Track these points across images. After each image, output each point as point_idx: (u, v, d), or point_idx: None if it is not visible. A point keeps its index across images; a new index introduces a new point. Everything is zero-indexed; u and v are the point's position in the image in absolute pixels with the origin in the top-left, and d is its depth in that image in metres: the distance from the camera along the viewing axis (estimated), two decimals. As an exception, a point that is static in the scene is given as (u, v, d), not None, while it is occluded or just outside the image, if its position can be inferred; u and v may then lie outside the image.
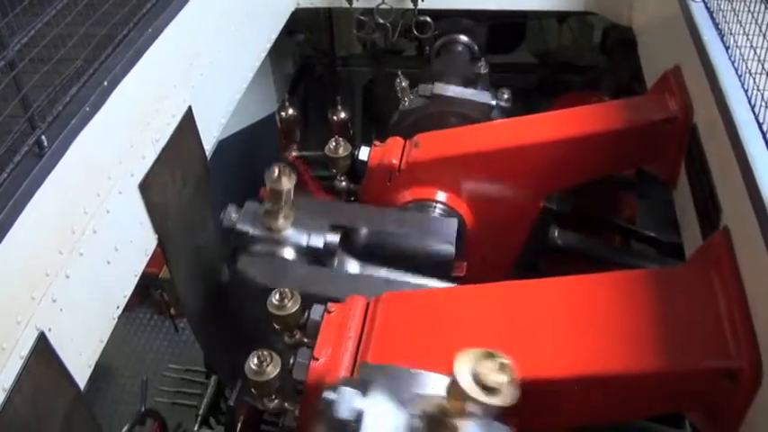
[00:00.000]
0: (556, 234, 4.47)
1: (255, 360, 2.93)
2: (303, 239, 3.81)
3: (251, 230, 3.85)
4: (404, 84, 5.04)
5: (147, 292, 8.10)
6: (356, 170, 4.42)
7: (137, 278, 3.61)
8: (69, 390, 2.95)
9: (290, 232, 3.82)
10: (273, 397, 3.04)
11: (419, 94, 5.05)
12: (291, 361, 2.94)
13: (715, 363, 2.58)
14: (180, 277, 4.27)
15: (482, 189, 4.09)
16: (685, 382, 2.71)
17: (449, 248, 3.82)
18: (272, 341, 3.17)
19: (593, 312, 2.92)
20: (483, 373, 1.97)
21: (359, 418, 2.25)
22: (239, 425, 4.89)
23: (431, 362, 2.88)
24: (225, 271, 4.54)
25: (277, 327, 3.14)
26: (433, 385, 2.40)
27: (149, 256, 3.72)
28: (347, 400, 2.28)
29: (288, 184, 3.71)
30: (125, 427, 4.87)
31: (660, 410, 3.21)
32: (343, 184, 4.58)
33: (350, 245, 3.95)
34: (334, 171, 4.55)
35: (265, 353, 2.95)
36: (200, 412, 5.47)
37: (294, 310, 3.08)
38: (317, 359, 2.90)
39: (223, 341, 4.64)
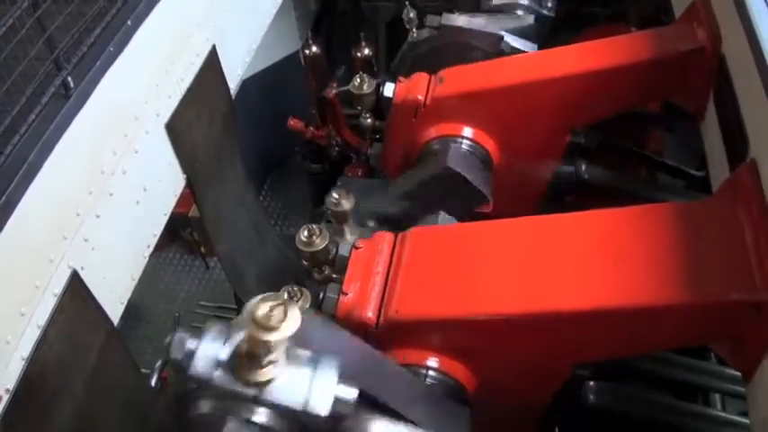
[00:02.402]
0: (583, 168, 4.43)
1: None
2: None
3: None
4: (411, 15, 4.90)
5: (177, 232, 8.19)
6: (381, 107, 4.39)
7: (166, 217, 3.66)
8: (103, 326, 3.02)
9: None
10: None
11: (427, 25, 4.94)
12: (321, 296, 2.98)
13: (741, 295, 2.58)
14: (209, 215, 4.32)
15: (508, 124, 4.05)
16: (711, 315, 2.71)
17: None
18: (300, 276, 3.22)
19: (619, 246, 2.92)
20: (258, 313, 2.12)
21: (190, 356, 2.30)
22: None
23: (457, 296, 2.92)
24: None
25: (306, 263, 3.19)
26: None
27: (178, 195, 3.77)
28: (180, 342, 2.33)
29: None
30: (158, 363, 4.98)
31: (685, 343, 3.22)
32: (369, 121, 4.56)
33: None
34: (359, 108, 4.53)
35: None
36: (232, 348, 5.57)
37: (323, 246, 3.12)
38: (346, 294, 2.95)
39: (253, 277, 4.70)
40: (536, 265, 2.93)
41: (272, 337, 2.11)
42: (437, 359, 2.93)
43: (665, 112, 4.87)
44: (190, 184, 3.85)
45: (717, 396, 3.78)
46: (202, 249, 8.00)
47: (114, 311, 3.15)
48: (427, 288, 2.94)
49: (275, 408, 2.31)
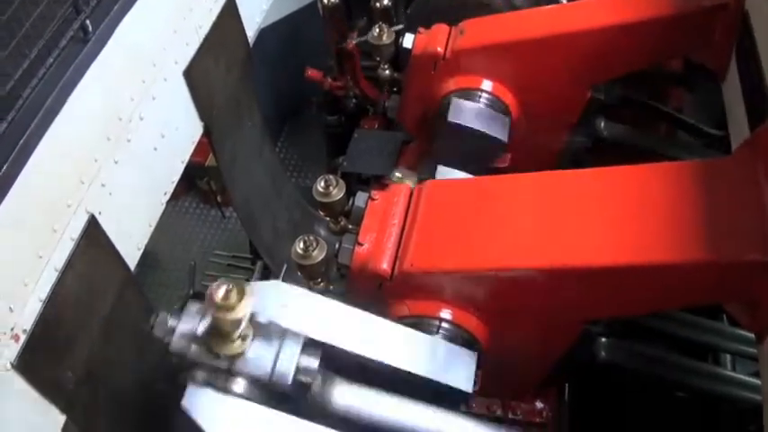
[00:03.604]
0: (602, 125, 4.40)
1: (302, 245, 2.99)
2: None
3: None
4: None
5: (193, 182, 8.23)
6: (400, 58, 4.35)
7: (184, 165, 3.66)
8: (120, 271, 3.05)
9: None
10: (319, 280, 3.12)
11: None
12: (337, 246, 3.00)
13: (757, 256, 2.57)
14: (226, 164, 4.32)
15: (528, 78, 4.00)
16: (726, 275, 2.70)
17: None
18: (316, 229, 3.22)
19: (635, 202, 2.90)
20: (215, 295, 2.36)
21: (171, 333, 2.59)
22: (284, 308, 5.02)
23: (472, 249, 2.93)
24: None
25: (322, 213, 3.19)
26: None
27: (195, 143, 3.77)
28: (163, 321, 2.61)
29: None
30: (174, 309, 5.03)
31: (699, 302, 3.22)
32: (387, 72, 4.52)
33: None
34: (378, 59, 4.49)
35: (311, 238, 3.00)
36: (247, 296, 5.62)
37: (339, 197, 3.12)
38: (362, 245, 2.96)
39: (269, 228, 4.73)
40: (551, 219, 2.93)
41: (230, 317, 2.34)
42: (450, 312, 2.94)
43: (686, 70, 4.80)
44: (207, 133, 3.85)
45: (727, 356, 3.80)
46: (219, 198, 8.05)
47: (131, 257, 3.17)
48: (442, 241, 2.95)
49: (247, 377, 2.57)
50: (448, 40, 4.08)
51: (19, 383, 2.50)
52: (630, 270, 2.71)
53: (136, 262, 3.24)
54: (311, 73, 6.13)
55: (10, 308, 2.44)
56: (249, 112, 4.42)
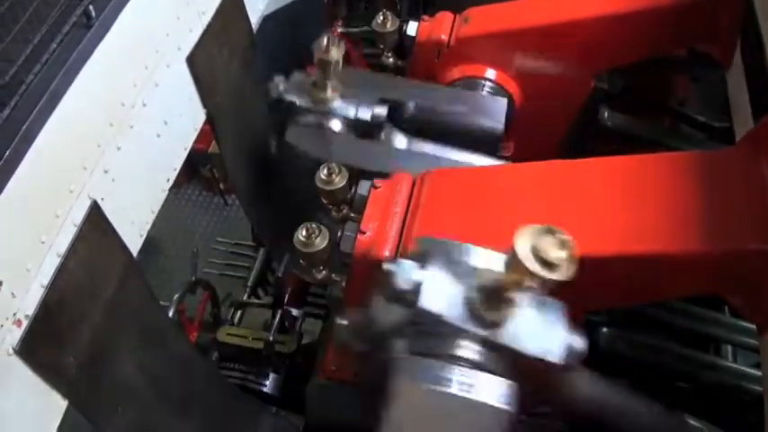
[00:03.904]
0: (606, 115, 4.39)
1: (304, 232, 2.99)
2: (351, 111, 3.80)
3: (298, 101, 3.83)
4: None
5: (196, 169, 8.23)
6: (404, 46, 4.34)
7: (186, 151, 3.66)
8: (122, 257, 3.06)
9: (337, 104, 3.81)
10: (321, 268, 3.12)
11: None
12: (339, 234, 3.00)
13: (759, 245, 2.57)
14: (229, 152, 4.32)
15: (533, 66, 4.00)
16: (728, 265, 2.71)
17: (498, 127, 3.79)
18: (319, 216, 3.22)
19: (638, 192, 2.90)
20: (543, 248, 1.94)
21: (417, 289, 2.27)
22: (287, 295, 5.05)
23: (476, 238, 2.92)
24: (272, 143, 4.54)
25: (325, 201, 3.19)
26: (490, 260, 2.40)
27: (198, 130, 3.77)
28: (406, 272, 2.29)
29: (337, 54, 3.67)
30: (176, 295, 5.05)
31: (701, 291, 3.22)
32: (391, 60, 4.51)
33: (398, 119, 3.93)
34: (382, 47, 4.48)
35: (314, 225, 3.00)
36: (249, 283, 5.65)
37: (342, 185, 3.12)
38: (364, 233, 2.96)
39: (272, 215, 4.73)
40: (553, 208, 2.92)
41: (553, 276, 1.95)
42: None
43: (691, 59, 4.79)
44: (210, 119, 3.84)
45: (728, 347, 3.80)
46: (221, 186, 8.06)
47: (134, 243, 3.18)
48: (444, 229, 2.94)
49: (505, 350, 2.24)
50: (452, 28, 4.07)
51: (21, 368, 2.51)
52: (632, 260, 2.72)
53: (138, 248, 3.24)
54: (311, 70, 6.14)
55: (12, 293, 2.45)
56: (252, 98, 4.41)
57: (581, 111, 4.26)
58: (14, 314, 2.47)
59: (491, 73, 4.02)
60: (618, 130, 4.42)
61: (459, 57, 4.04)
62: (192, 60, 3.55)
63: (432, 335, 2.28)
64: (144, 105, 3.20)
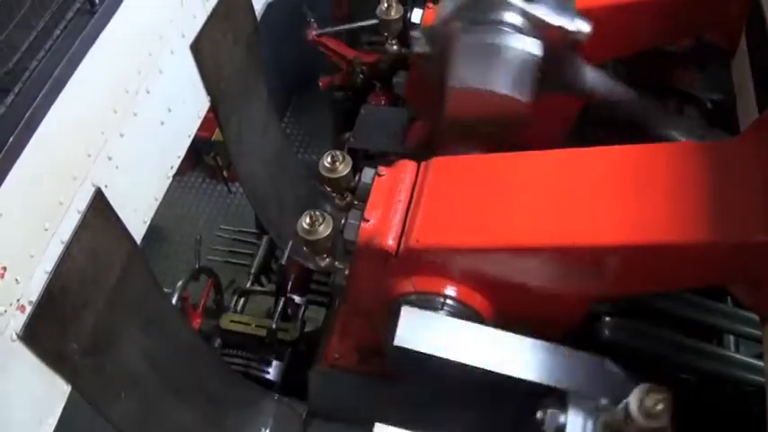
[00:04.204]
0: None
1: (308, 219, 2.99)
2: None
3: None
4: None
5: (200, 157, 8.23)
6: (407, 34, 4.31)
7: (190, 139, 3.66)
8: (126, 244, 3.06)
9: None
10: (325, 256, 3.12)
11: None
12: (342, 222, 2.99)
13: (765, 237, 2.56)
14: (232, 139, 4.31)
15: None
16: (733, 255, 2.69)
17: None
18: (322, 204, 3.22)
19: (643, 182, 2.88)
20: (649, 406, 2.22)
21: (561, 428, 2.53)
22: (290, 283, 5.05)
23: (478, 226, 2.92)
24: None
25: (328, 188, 3.18)
26: None
27: (202, 117, 3.76)
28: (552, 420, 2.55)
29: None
30: (180, 282, 5.07)
31: (705, 283, 3.21)
32: (395, 48, 4.49)
33: None
34: (386, 35, 4.45)
35: (317, 213, 3.00)
36: (252, 271, 5.65)
37: (346, 172, 3.11)
38: (368, 221, 2.95)
39: (275, 203, 4.73)
40: (559, 197, 2.92)
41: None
42: (455, 288, 2.95)
43: (697, 49, 4.76)
44: (214, 107, 3.84)
45: (731, 338, 3.80)
46: (225, 173, 8.05)
47: (137, 230, 3.18)
48: (448, 218, 2.94)
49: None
50: None
51: (25, 354, 2.52)
52: (635, 250, 2.71)
53: (142, 235, 3.24)
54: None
55: (16, 279, 2.46)
56: (256, 86, 4.40)
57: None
58: (18, 300, 2.48)
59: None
60: (623, 118, 4.40)
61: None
62: (196, 47, 3.54)
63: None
64: (148, 92, 3.20)
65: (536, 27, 3.43)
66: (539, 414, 2.60)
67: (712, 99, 4.57)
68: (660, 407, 2.24)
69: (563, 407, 2.60)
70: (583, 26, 3.43)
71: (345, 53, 6.28)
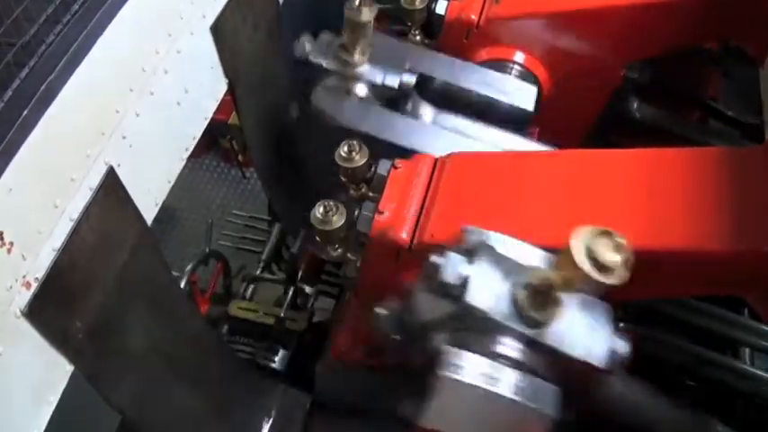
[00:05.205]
0: (635, 106, 4.31)
1: (321, 209, 2.95)
2: (378, 77, 3.68)
3: (324, 63, 3.72)
4: None
5: (215, 140, 8.21)
6: (432, 24, 4.26)
7: (206, 121, 3.62)
8: (136, 223, 3.03)
9: (365, 68, 3.69)
10: (337, 246, 3.08)
11: None
12: (356, 213, 2.96)
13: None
14: (249, 123, 4.28)
15: (563, 52, 3.91)
16: (750, 265, 2.64)
17: (528, 109, 3.72)
18: (336, 192, 3.19)
19: (662, 186, 2.83)
20: (598, 251, 1.91)
21: (464, 283, 2.26)
22: (300, 272, 5.02)
23: (492, 224, 2.87)
24: (295, 107, 4.46)
25: (343, 179, 3.15)
26: (537, 258, 2.39)
27: (219, 100, 3.72)
28: (454, 266, 2.28)
29: (368, 15, 3.53)
30: (189, 266, 5.04)
31: (721, 290, 3.17)
32: (418, 38, 4.44)
33: (425, 91, 3.81)
34: (409, 24, 4.41)
35: (331, 203, 2.96)
36: (263, 257, 5.62)
37: (362, 163, 3.08)
38: (382, 213, 2.92)
39: (289, 190, 4.69)
40: (575, 197, 2.87)
41: (607, 280, 1.93)
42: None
43: (724, 54, 4.69)
44: (231, 90, 3.80)
45: (746, 350, 3.75)
46: (240, 158, 8.03)
47: (149, 211, 3.14)
48: (463, 213, 2.90)
49: (548, 350, 2.24)
50: (482, 8, 4.00)
51: (29, 331, 2.49)
52: (651, 255, 2.65)
53: (153, 217, 3.21)
54: None
55: (23, 255, 2.42)
56: (275, 71, 4.36)
57: (609, 100, 4.18)
58: (24, 276, 2.44)
59: (520, 56, 3.95)
60: (646, 121, 4.35)
61: (488, 38, 3.97)
62: (216, 29, 3.49)
63: (473, 330, 2.28)
64: (165, 72, 3.15)
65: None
66: (433, 258, 2.32)
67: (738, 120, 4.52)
68: (617, 257, 1.93)
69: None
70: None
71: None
